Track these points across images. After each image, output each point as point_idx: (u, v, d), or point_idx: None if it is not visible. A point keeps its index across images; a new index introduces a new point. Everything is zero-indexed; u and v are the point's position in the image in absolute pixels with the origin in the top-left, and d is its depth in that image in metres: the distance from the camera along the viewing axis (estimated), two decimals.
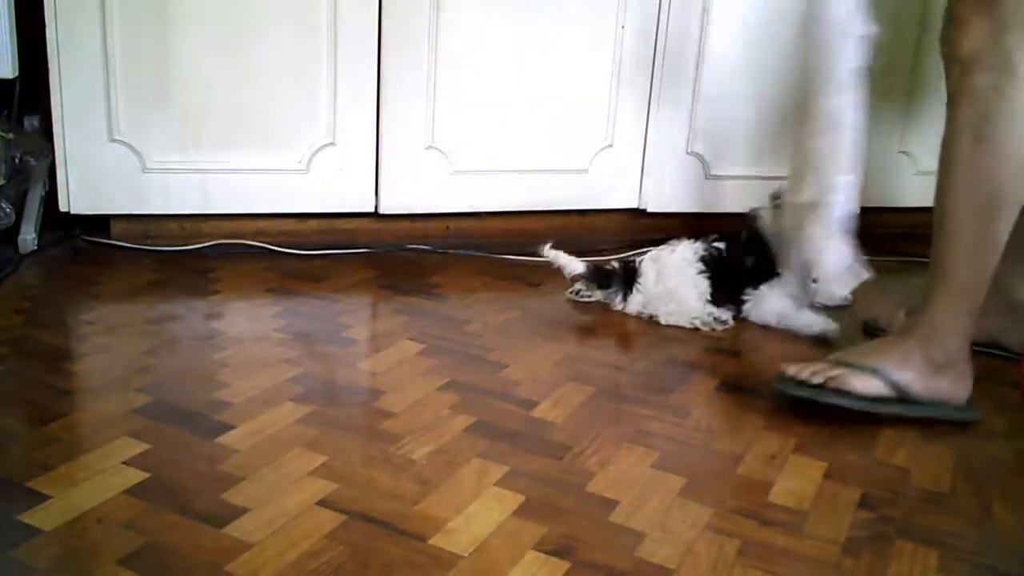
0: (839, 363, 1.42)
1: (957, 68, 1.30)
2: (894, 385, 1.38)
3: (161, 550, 0.98)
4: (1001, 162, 1.28)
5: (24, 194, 1.93)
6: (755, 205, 1.80)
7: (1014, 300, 1.63)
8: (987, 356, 1.64)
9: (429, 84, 1.99)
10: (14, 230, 1.88)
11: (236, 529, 1.02)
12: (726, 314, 1.78)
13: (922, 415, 1.39)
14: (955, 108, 1.31)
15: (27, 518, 1.01)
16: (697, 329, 1.74)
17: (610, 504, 1.13)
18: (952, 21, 1.30)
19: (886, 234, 2.43)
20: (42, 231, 1.92)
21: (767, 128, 2.26)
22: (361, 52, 1.94)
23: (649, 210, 2.25)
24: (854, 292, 1.72)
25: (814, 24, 1.65)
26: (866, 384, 1.38)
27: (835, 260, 1.69)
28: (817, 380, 1.39)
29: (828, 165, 1.67)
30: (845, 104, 1.64)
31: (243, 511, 1.05)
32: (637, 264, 1.81)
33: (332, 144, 1.98)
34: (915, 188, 2.46)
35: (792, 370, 1.42)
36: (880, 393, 1.38)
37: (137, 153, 1.89)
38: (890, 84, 2.33)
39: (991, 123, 1.27)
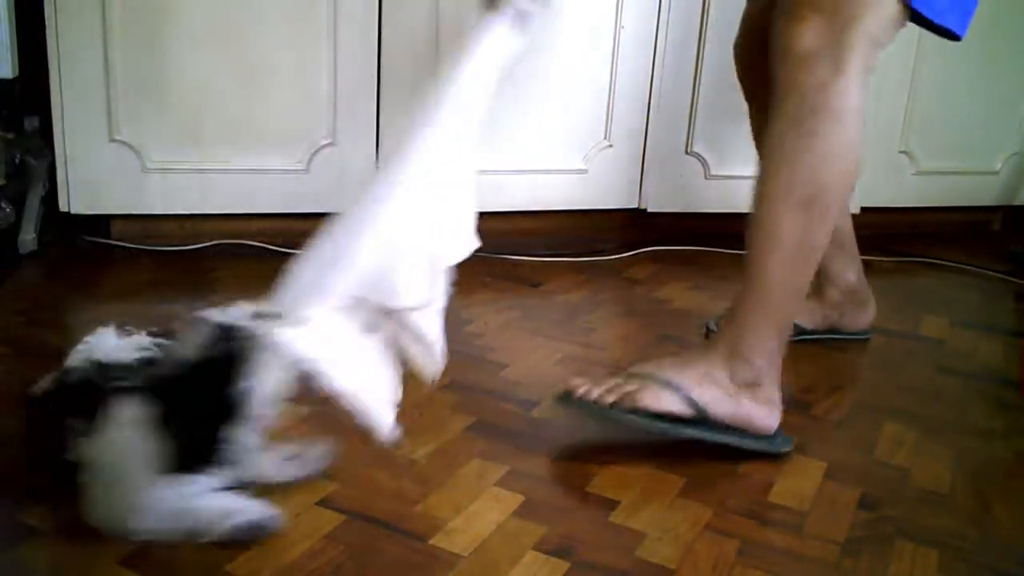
0: (633, 375, 1.26)
1: (792, 63, 1.22)
2: (692, 403, 1.22)
3: (161, 550, 0.98)
4: (824, 161, 1.21)
5: (24, 194, 1.93)
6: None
7: (848, 285, 1.71)
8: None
9: (428, 84, 1.99)
10: (14, 230, 1.88)
11: None
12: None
13: (722, 441, 1.24)
14: (783, 101, 1.23)
15: (27, 518, 1.01)
16: None
17: (610, 504, 1.13)
18: (791, 17, 1.23)
19: (886, 234, 2.44)
20: (42, 231, 1.91)
21: None
22: (361, 52, 1.94)
23: (649, 210, 2.25)
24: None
25: None
26: (659, 399, 1.22)
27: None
28: (610, 399, 1.22)
29: None
30: None
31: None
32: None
33: (332, 144, 1.98)
34: (915, 188, 2.46)
35: (581, 390, 1.24)
36: (677, 411, 1.22)
37: (137, 153, 1.89)
38: (891, 84, 2.33)
39: (818, 119, 1.21)
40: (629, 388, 1.23)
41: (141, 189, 1.91)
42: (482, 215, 2.24)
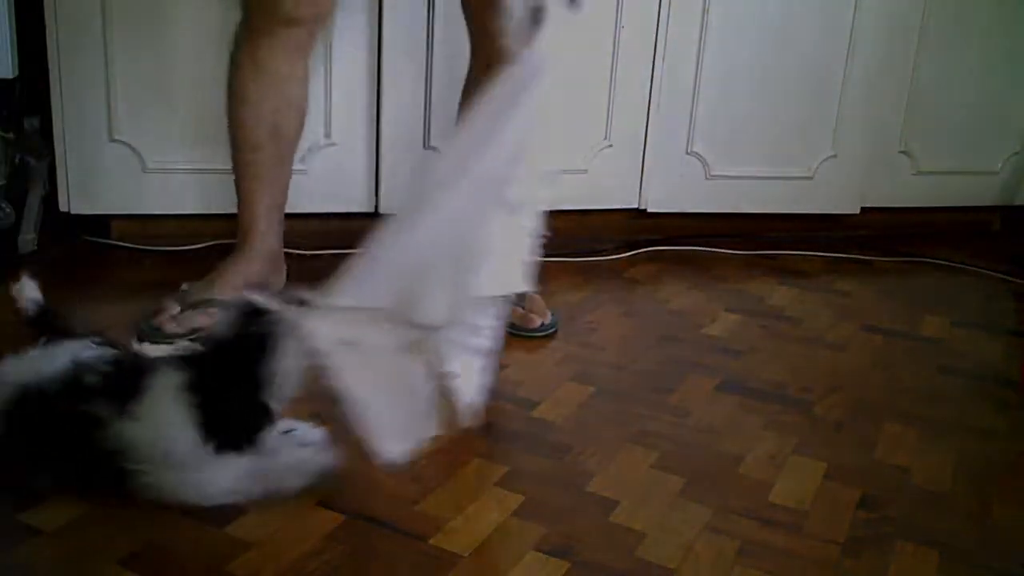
0: (189, 303, 1.50)
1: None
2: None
3: (161, 550, 0.98)
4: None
5: (24, 194, 1.93)
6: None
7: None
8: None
9: (428, 83, 1.99)
10: (14, 230, 1.87)
11: (236, 529, 1.02)
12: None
13: None
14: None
15: (28, 518, 1.01)
16: None
17: (610, 504, 1.13)
18: None
19: (886, 234, 2.44)
20: (42, 231, 1.91)
21: (768, 128, 2.26)
22: (360, 52, 1.93)
23: (649, 210, 2.25)
24: None
25: None
26: (205, 317, 1.45)
27: None
28: (180, 329, 1.46)
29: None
30: None
31: (243, 511, 1.05)
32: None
33: (332, 144, 1.98)
34: (915, 188, 2.46)
35: (157, 321, 1.47)
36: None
37: (137, 153, 1.89)
38: (891, 84, 2.33)
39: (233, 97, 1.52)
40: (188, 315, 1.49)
41: (141, 189, 1.91)
42: None
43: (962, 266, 2.25)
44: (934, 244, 2.39)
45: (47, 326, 1.14)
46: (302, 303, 1.03)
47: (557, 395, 1.41)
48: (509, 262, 1.08)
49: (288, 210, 2.02)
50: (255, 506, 1.06)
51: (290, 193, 1.99)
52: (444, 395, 1.07)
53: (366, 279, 1.04)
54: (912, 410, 1.45)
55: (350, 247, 2.09)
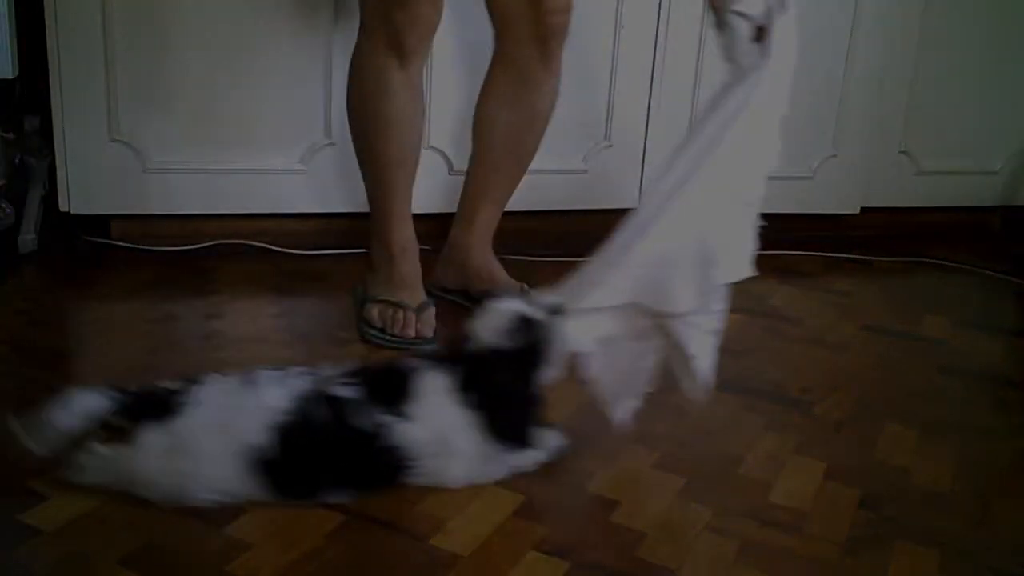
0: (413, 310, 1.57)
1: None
2: None
3: (161, 550, 0.98)
4: None
5: (24, 194, 1.93)
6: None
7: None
8: None
9: (427, 83, 1.99)
10: (14, 230, 1.88)
11: (236, 529, 1.02)
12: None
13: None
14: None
15: (28, 518, 1.01)
16: None
17: (610, 504, 1.13)
18: None
19: (887, 234, 2.44)
20: (42, 231, 1.91)
21: None
22: None
23: None
24: None
25: None
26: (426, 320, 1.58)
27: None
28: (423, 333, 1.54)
29: None
30: None
31: (243, 511, 1.05)
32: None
33: (332, 144, 1.98)
34: (915, 188, 2.46)
35: (398, 331, 1.54)
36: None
37: (137, 153, 1.89)
38: (891, 83, 2.33)
39: (378, 116, 1.55)
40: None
41: (141, 189, 1.91)
42: None
43: (962, 266, 2.25)
44: (934, 244, 2.39)
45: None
46: (559, 311, 1.15)
47: (557, 395, 1.41)
48: (740, 251, 1.21)
49: (288, 210, 2.03)
50: (255, 506, 1.06)
51: (290, 193, 2.00)
52: (683, 372, 1.22)
53: (610, 278, 1.20)
54: (912, 410, 1.45)
55: (350, 247, 2.09)
